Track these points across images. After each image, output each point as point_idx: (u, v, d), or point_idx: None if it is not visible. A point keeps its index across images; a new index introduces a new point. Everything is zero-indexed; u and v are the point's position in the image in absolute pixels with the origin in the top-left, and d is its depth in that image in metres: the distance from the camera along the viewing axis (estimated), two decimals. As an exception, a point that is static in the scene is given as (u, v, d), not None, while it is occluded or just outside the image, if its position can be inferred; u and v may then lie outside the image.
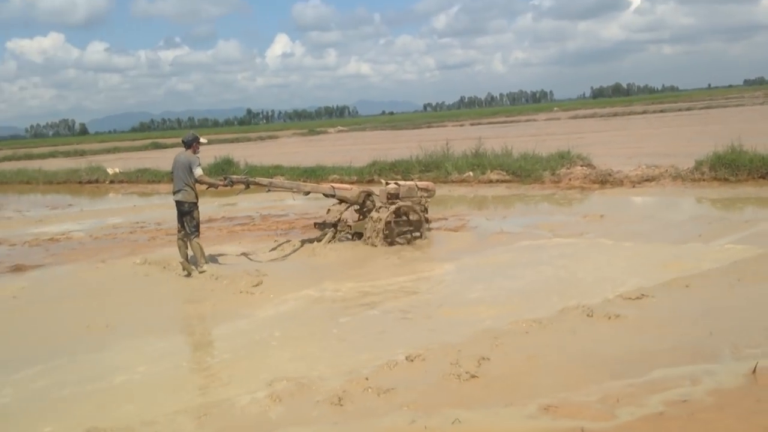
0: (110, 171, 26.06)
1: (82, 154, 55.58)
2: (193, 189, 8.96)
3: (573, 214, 11.90)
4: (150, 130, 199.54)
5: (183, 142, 9.15)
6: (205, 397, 4.95)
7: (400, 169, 18.97)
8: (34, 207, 20.09)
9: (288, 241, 10.60)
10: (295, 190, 10.46)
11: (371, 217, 9.99)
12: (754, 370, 4.73)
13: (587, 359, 5.21)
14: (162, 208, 16.83)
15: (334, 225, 10.33)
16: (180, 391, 5.10)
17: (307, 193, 10.58)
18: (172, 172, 9.27)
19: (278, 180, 11.37)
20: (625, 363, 5.08)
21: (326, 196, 10.51)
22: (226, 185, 9.44)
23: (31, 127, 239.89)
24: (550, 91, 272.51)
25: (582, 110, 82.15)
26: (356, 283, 7.98)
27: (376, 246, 9.69)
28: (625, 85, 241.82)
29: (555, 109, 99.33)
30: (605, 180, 15.43)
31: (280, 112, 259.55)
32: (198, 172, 8.87)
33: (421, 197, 10.29)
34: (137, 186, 24.16)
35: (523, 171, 17.03)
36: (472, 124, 65.40)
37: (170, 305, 7.93)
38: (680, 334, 5.61)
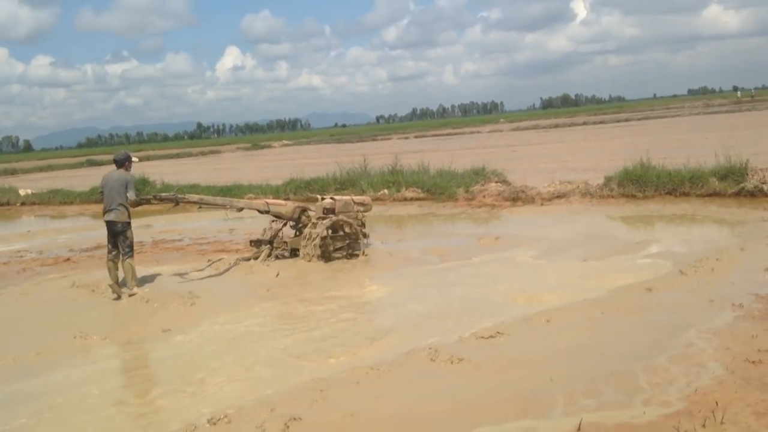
0: (22, 192, 24.77)
1: (12, 172, 53.30)
2: (127, 208, 8.70)
3: (470, 236, 11.43)
4: (97, 145, 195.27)
5: (115, 160, 8.99)
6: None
7: (316, 187, 18.37)
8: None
9: (221, 259, 10.34)
10: (227, 207, 10.38)
11: (306, 234, 9.81)
12: (579, 428, 4.25)
13: (409, 417, 4.66)
14: (56, 234, 15.94)
15: (270, 242, 10.12)
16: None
17: (240, 209, 10.45)
18: (101, 192, 8.90)
19: (209, 197, 10.97)
20: (448, 419, 4.56)
21: (260, 212, 10.36)
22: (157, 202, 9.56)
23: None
24: (501, 102, 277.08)
25: (525, 122, 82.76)
26: (265, 311, 7.68)
27: (310, 262, 9.61)
28: (573, 96, 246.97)
29: (501, 120, 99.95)
30: (517, 197, 15.08)
31: (231, 126, 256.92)
32: (132, 195, 8.66)
33: (357, 212, 10.20)
34: (48, 208, 22.89)
35: (437, 188, 16.59)
36: (416, 137, 65.27)
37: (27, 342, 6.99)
38: (519, 380, 5.11)
